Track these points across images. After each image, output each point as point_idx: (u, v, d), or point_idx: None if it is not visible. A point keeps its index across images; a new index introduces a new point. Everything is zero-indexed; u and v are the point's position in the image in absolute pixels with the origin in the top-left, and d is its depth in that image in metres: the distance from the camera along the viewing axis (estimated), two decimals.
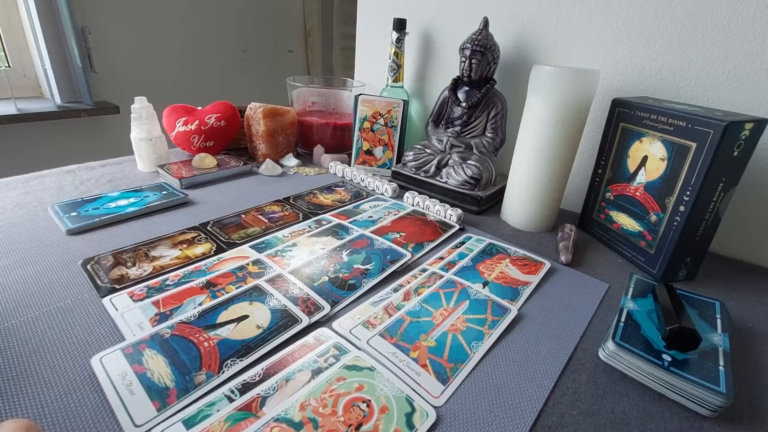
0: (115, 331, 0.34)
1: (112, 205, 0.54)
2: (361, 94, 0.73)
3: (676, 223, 0.46)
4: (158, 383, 0.29)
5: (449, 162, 0.67)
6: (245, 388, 0.29)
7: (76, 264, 0.42)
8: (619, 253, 0.54)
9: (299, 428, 0.27)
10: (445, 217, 0.59)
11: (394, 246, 0.51)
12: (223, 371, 0.31)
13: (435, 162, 0.68)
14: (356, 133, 0.75)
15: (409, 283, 0.44)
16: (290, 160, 0.78)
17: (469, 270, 0.47)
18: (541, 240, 0.57)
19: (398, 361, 0.33)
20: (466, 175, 0.63)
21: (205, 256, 0.46)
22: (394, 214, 0.60)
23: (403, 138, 0.74)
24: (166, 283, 0.40)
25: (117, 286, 0.39)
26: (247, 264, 0.45)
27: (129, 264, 0.43)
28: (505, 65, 0.71)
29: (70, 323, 0.34)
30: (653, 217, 0.48)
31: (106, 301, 0.37)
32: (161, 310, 0.36)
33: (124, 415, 0.27)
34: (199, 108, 0.76)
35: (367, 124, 0.74)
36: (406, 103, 0.73)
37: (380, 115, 0.73)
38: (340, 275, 0.44)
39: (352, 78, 0.97)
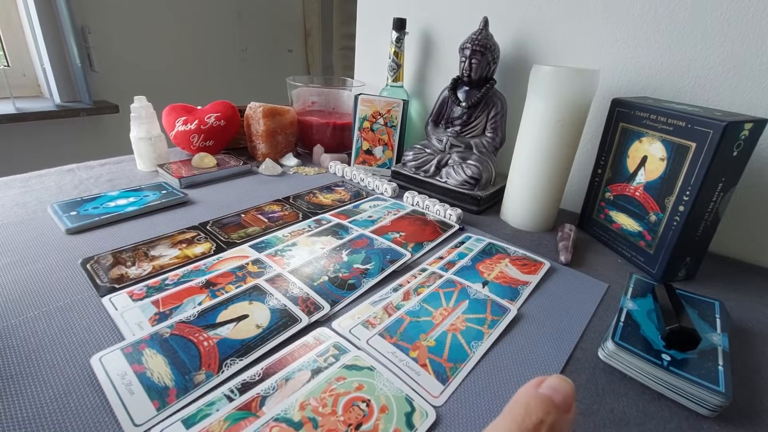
0: (115, 331, 0.34)
1: (112, 204, 0.54)
2: (360, 94, 0.73)
3: (675, 223, 0.46)
4: (158, 383, 0.29)
5: (449, 162, 0.67)
6: (245, 387, 0.29)
7: (75, 263, 0.42)
8: (618, 253, 0.54)
9: (299, 428, 0.27)
10: (444, 217, 0.59)
11: (393, 246, 0.51)
12: (223, 371, 0.31)
13: (435, 162, 0.68)
14: (356, 132, 0.75)
15: (408, 282, 0.44)
16: (290, 160, 0.78)
17: (468, 270, 0.47)
18: (541, 240, 0.57)
19: (398, 360, 0.33)
20: (466, 174, 0.63)
21: (204, 256, 0.46)
22: (394, 214, 0.60)
23: (402, 138, 0.74)
24: (166, 282, 0.40)
25: (116, 286, 0.39)
26: (247, 263, 0.45)
27: (128, 263, 0.43)
28: (505, 65, 0.71)
29: (69, 323, 0.34)
30: (653, 217, 0.49)
31: (105, 300, 0.37)
32: (161, 310, 0.36)
33: (123, 414, 0.27)
34: (199, 107, 0.76)
35: (366, 124, 0.74)
36: (405, 103, 0.73)
37: (380, 114, 0.73)
38: (340, 275, 0.44)
39: (352, 78, 0.97)
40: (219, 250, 0.47)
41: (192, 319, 0.36)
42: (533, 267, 0.48)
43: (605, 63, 0.61)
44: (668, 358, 0.33)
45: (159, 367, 0.30)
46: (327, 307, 0.39)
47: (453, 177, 0.65)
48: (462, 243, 0.53)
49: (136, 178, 0.65)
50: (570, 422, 0.15)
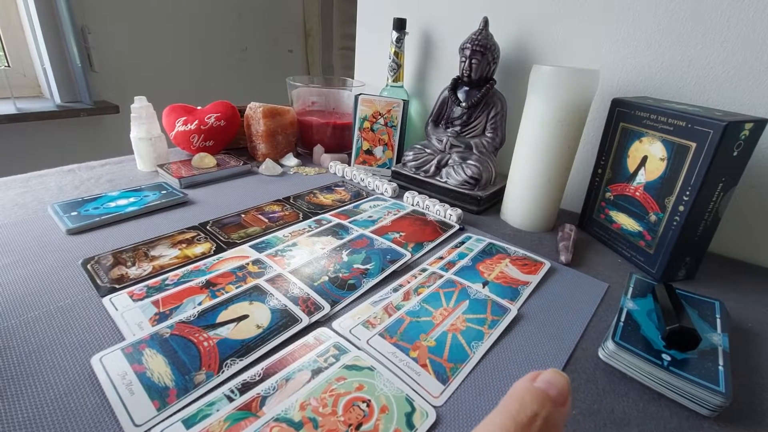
0: (115, 331, 0.34)
1: (112, 204, 0.54)
2: (361, 94, 0.73)
3: (675, 223, 0.46)
4: (158, 383, 0.29)
5: (449, 162, 0.67)
6: (245, 387, 0.29)
7: (76, 263, 0.42)
8: (618, 252, 0.54)
9: (299, 428, 0.27)
10: (444, 217, 0.59)
11: (393, 246, 0.51)
12: (223, 371, 0.31)
13: (435, 162, 0.68)
14: (356, 132, 0.75)
15: (408, 282, 0.44)
16: (290, 160, 0.78)
17: (468, 270, 0.47)
18: (541, 240, 0.57)
19: (398, 360, 0.33)
20: (466, 174, 0.63)
21: (204, 256, 0.46)
22: (394, 214, 0.60)
23: (403, 138, 0.74)
24: (166, 282, 0.40)
25: (117, 286, 0.39)
26: (247, 264, 0.45)
27: (129, 264, 0.43)
28: (505, 65, 0.71)
29: (69, 323, 0.34)
30: (653, 217, 0.49)
31: (105, 300, 0.37)
32: (161, 310, 0.36)
33: (124, 414, 0.27)
34: (199, 108, 0.76)
35: (367, 124, 0.74)
36: (406, 103, 0.73)
37: (380, 114, 0.73)
38: (340, 275, 0.44)
39: (352, 78, 0.97)
40: (219, 250, 0.47)
41: (192, 319, 0.36)
42: (533, 267, 0.48)
43: (605, 63, 0.61)
44: (668, 358, 0.33)
45: (159, 367, 0.30)
46: (327, 308, 0.39)
47: (453, 177, 0.65)
48: (462, 243, 0.53)
49: (137, 179, 0.65)
50: (565, 415, 0.15)
